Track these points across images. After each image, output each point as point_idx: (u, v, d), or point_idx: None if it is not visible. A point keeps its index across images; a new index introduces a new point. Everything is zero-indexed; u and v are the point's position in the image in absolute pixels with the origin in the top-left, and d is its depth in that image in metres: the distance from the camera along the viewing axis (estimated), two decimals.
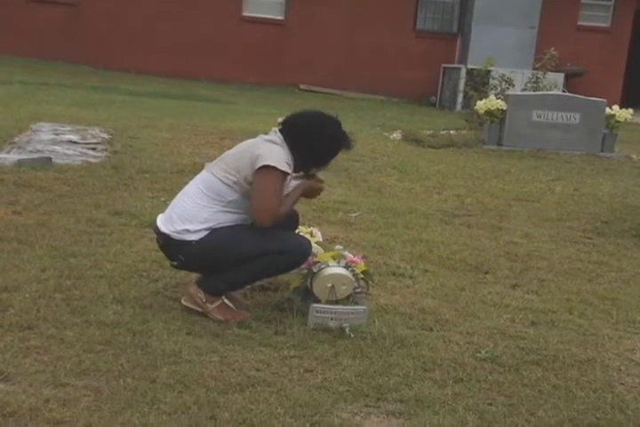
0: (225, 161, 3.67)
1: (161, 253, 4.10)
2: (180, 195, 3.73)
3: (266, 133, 3.74)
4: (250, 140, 3.75)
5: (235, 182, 3.57)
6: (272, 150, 3.59)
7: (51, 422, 2.64)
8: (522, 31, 16.89)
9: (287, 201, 3.65)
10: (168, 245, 3.64)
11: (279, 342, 3.43)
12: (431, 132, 11.01)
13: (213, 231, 3.55)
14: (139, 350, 3.22)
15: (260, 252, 3.55)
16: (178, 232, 3.57)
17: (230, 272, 3.60)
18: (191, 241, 3.55)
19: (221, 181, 3.59)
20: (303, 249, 3.66)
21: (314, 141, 3.68)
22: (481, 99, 10.58)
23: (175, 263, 3.71)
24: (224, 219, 3.59)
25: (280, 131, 3.70)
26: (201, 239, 3.54)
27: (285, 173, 3.56)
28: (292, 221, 3.91)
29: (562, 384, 3.30)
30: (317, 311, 3.61)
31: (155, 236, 3.80)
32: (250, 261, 3.56)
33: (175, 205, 3.68)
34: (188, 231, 3.55)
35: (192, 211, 3.59)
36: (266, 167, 3.51)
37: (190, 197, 3.64)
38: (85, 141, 7.47)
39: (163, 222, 3.64)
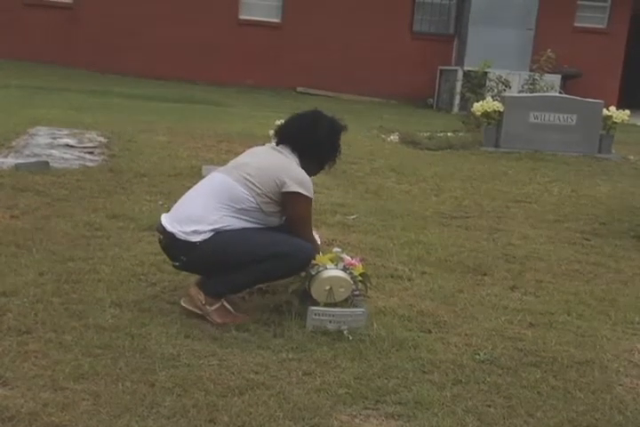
0: (246, 171, 3.66)
1: (159, 257, 4.11)
2: (189, 195, 3.73)
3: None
4: (271, 156, 3.76)
5: (258, 194, 3.61)
6: (300, 176, 3.67)
7: (49, 426, 2.64)
8: (519, 33, 16.92)
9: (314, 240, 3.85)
10: (171, 245, 3.63)
11: (278, 344, 3.43)
12: (428, 134, 11.02)
13: (218, 234, 3.55)
14: (137, 354, 3.21)
15: (263, 256, 3.55)
16: (185, 233, 3.56)
17: (232, 275, 3.60)
18: (195, 242, 3.54)
19: (241, 187, 3.61)
20: (306, 254, 3.67)
21: (315, 144, 3.75)
22: (478, 101, 10.60)
23: (177, 264, 3.71)
24: (232, 223, 3.58)
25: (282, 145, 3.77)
26: (205, 241, 3.54)
27: (312, 199, 3.71)
28: None
29: (560, 386, 3.30)
30: (316, 314, 3.61)
31: (154, 239, 3.80)
32: (252, 264, 3.56)
33: (183, 205, 3.68)
34: (194, 232, 3.55)
35: (201, 212, 3.58)
36: (298, 194, 3.62)
37: (201, 197, 3.64)
38: (83, 145, 7.47)
39: (168, 222, 3.63)
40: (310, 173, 3.77)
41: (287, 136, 3.80)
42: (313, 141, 3.76)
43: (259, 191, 3.60)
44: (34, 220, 5.00)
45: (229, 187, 3.62)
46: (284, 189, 3.60)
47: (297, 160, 3.73)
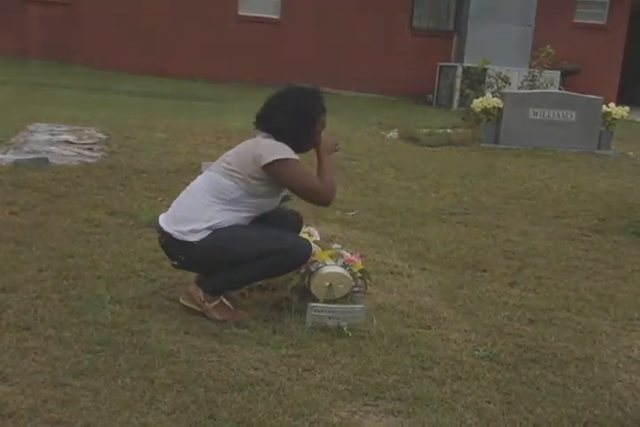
0: (226, 160, 3.68)
1: (158, 253, 4.11)
2: (182, 195, 3.73)
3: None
4: (247, 141, 3.76)
5: (241, 180, 3.58)
6: (271, 145, 3.62)
7: (49, 422, 2.64)
8: (518, 29, 16.89)
9: (325, 172, 3.69)
10: (169, 244, 3.64)
11: (277, 341, 3.43)
12: (428, 130, 11.02)
13: (215, 232, 3.55)
14: (137, 351, 3.21)
15: (261, 253, 3.54)
16: (181, 232, 3.56)
17: (230, 272, 3.60)
18: (193, 242, 3.54)
19: (224, 178, 3.59)
20: (304, 251, 3.66)
21: (293, 122, 3.65)
22: (477, 97, 10.59)
23: (176, 263, 3.72)
24: (227, 217, 3.58)
25: (263, 130, 3.72)
26: (202, 240, 3.54)
27: (296, 160, 3.60)
28: (294, 223, 3.92)
29: (560, 382, 3.30)
30: (315, 310, 3.61)
31: (153, 235, 3.80)
32: (250, 261, 3.56)
33: (178, 205, 3.69)
34: (191, 231, 3.55)
35: (195, 210, 3.58)
36: (277, 161, 3.54)
37: (193, 196, 3.65)
38: (82, 142, 7.46)
39: (165, 222, 3.64)
40: (297, 148, 3.67)
41: (259, 119, 3.75)
42: (278, 121, 3.66)
43: (240, 176, 3.58)
44: (33, 216, 5.00)
45: (214, 180, 3.62)
46: (262, 163, 3.55)
47: (271, 138, 3.67)
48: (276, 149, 3.59)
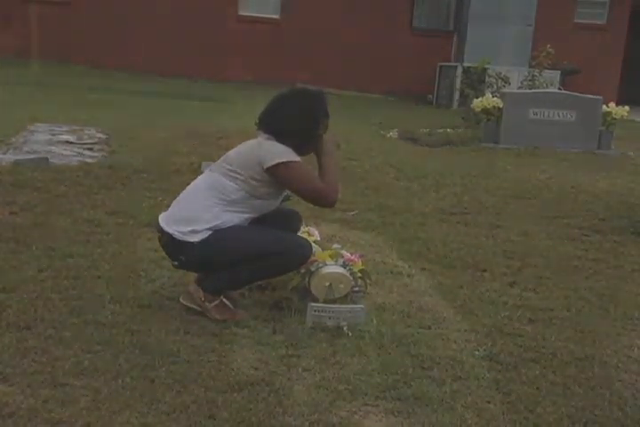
0: (227, 161, 3.67)
1: (158, 253, 4.11)
2: (182, 195, 3.73)
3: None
4: (248, 142, 3.76)
5: (242, 181, 3.57)
6: (274, 147, 3.61)
7: (49, 422, 2.64)
8: (518, 29, 16.89)
9: (327, 174, 3.67)
10: (170, 244, 3.63)
11: (277, 341, 3.43)
12: (428, 130, 11.02)
13: (216, 232, 3.54)
14: (137, 350, 3.21)
15: (261, 253, 3.55)
16: (182, 233, 3.55)
17: (231, 272, 3.60)
18: (193, 242, 3.54)
19: (225, 178, 3.59)
20: (304, 251, 3.66)
21: (296, 123, 3.65)
22: (477, 97, 10.59)
23: (176, 263, 3.71)
24: (228, 218, 3.58)
25: (265, 131, 3.71)
26: (202, 240, 3.54)
27: (299, 162, 3.60)
28: (294, 222, 3.92)
29: (560, 382, 3.30)
30: (315, 310, 3.61)
31: (153, 235, 3.80)
32: (251, 262, 3.56)
33: (178, 205, 3.68)
34: (192, 232, 3.54)
35: (196, 210, 3.58)
36: (281, 164, 3.54)
37: (193, 196, 3.64)
38: (82, 142, 7.47)
39: (166, 221, 3.64)
40: (298, 150, 3.65)
41: (261, 120, 3.74)
42: (281, 123, 3.66)
43: (242, 178, 3.57)
44: (33, 216, 5.00)
45: (215, 181, 3.62)
46: (265, 166, 3.54)
47: (272, 139, 3.66)
48: (279, 152, 3.58)
